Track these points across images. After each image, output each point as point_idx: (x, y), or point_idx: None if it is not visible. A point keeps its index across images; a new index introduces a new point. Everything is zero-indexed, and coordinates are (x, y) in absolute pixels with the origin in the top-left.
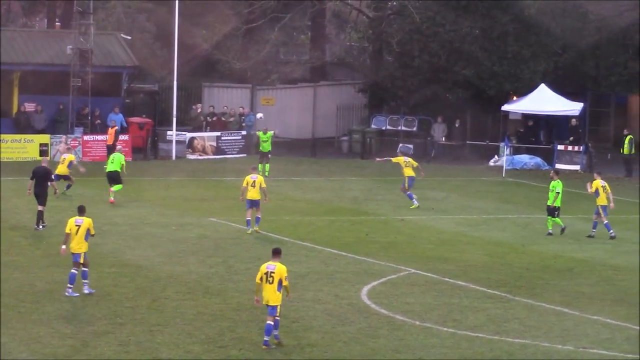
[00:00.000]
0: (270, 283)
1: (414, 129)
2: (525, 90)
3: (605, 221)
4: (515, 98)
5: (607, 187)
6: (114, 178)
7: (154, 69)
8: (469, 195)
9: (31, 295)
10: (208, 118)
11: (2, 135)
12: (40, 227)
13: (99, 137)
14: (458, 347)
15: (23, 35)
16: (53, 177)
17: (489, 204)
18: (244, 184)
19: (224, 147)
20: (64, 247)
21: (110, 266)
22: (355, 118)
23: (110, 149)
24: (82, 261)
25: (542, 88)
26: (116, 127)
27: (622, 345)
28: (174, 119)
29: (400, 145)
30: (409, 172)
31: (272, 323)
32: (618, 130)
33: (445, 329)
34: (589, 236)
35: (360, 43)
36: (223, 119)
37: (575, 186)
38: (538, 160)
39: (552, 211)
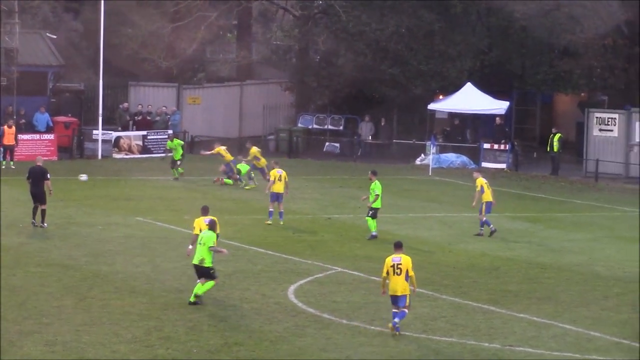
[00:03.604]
0: (398, 274)
1: (341, 127)
2: (451, 88)
3: (484, 218)
4: (441, 97)
5: (488, 184)
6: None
7: (80, 68)
8: (395, 194)
9: None
10: (135, 117)
11: None
12: (45, 224)
13: (25, 137)
14: (385, 346)
15: None
16: (47, 175)
17: (416, 202)
18: (272, 178)
19: (150, 146)
20: (190, 247)
21: (36, 265)
22: (282, 117)
23: (10, 149)
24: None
25: (468, 87)
26: (13, 127)
27: (549, 342)
28: (100, 118)
29: (327, 144)
30: (229, 157)
31: (398, 311)
32: (544, 128)
33: (372, 327)
34: (478, 234)
35: (286, 42)
36: (149, 118)
37: (502, 185)
38: (464, 158)
39: (370, 211)
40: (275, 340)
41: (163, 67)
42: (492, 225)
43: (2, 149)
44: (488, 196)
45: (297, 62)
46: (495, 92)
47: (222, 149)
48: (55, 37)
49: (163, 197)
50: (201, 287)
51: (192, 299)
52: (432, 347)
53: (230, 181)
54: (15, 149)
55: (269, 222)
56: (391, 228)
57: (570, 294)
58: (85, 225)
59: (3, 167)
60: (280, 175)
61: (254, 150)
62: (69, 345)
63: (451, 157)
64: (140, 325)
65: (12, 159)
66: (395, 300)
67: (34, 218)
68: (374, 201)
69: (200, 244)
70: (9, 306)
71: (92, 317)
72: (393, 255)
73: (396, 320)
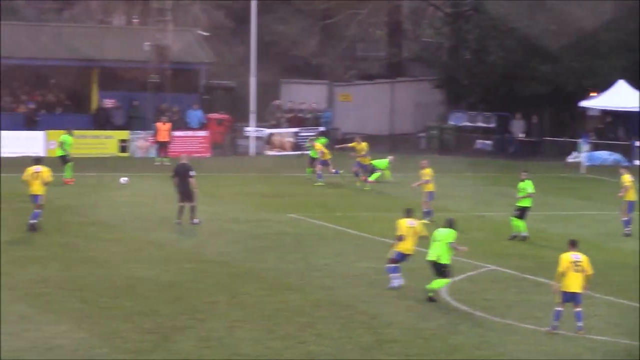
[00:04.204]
0: (578, 272)
1: (492, 125)
2: (603, 86)
3: (626, 218)
4: (593, 94)
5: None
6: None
7: (232, 65)
8: (547, 191)
9: (111, 290)
10: (287, 114)
11: (82, 132)
12: (195, 221)
13: (179, 134)
14: (540, 344)
15: (101, 31)
16: (191, 173)
17: (568, 200)
18: (428, 177)
19: (302, 144)
20: (398, 241)
21: (190, 261)
22: (433, 114)
23: (164, 145)
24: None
25: (621, 84)
26: (168, 123)
27: None
28: (253, 115)
29: (478, 141)
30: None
31: (562, 309)
32: None
33: (526, 325)
34: (626, 234)
35: (436, 39)
36: (300, 115)
37: None
38: (618, 156)
39: (516, 211)
40: (429, 337)
41: (314, 64)
42: (629, 228)
43: (156, 146)
44: (631, 195)
45: (447, 60)
46: None
47: (321, 146)
48: (207, 34)
49: (315, 194)
50: (437, 282)
51: (430, 294)
52: (587, 345)
53: (377, 175)
54: (169, 145)
55: (428, 221)
56: (543, 226)
57: None
58: (237, 222)
59: (157, 163)
60: (433, 176)
61: (364, 145)
62: (222, 341)
63: (604, 155)
64: (293, 321)
65: (165, 155)
66: (571, 297)
67: (179, 218)
68: (523, 199)
69: (436, 240)
70: (163, 301)
71: (246, 313)
72: (571, 253)
73: (580, 324)
